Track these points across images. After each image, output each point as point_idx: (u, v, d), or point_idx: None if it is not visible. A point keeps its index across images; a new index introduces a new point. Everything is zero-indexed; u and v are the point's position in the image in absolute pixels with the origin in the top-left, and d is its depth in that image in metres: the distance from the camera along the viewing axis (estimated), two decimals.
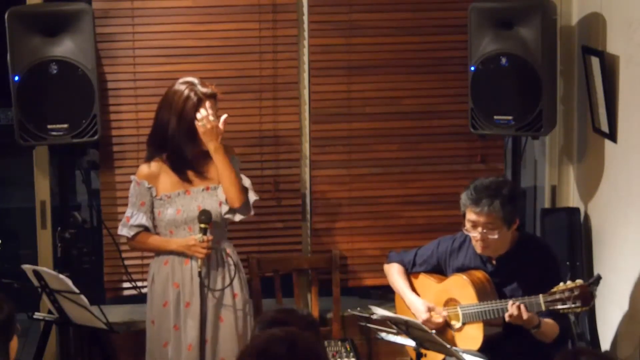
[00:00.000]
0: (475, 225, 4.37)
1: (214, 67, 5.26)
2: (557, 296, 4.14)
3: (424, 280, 4.69)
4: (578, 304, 4.11)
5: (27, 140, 4.77)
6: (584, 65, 5.09)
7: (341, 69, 5.37)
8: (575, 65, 5.37)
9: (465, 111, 5.14)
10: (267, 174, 5.37)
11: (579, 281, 4.15)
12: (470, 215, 4.38)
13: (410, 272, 4.74)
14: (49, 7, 4.88)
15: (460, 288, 4.46)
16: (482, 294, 4.39)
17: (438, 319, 4.51)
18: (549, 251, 4.53)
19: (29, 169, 5.35)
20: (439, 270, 4.67)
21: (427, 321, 4.48)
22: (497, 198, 4.33)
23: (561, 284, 4.16)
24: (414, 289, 4.69)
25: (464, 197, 4.41)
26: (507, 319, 4.23)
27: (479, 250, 4.43)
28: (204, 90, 4.53)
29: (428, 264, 4.69)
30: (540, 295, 4.18)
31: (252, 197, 4.64)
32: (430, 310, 4.52)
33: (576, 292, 4.10)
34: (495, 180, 4.47)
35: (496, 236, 4.35)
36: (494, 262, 4.49)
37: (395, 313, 4.63)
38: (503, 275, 4.46)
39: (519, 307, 4.18)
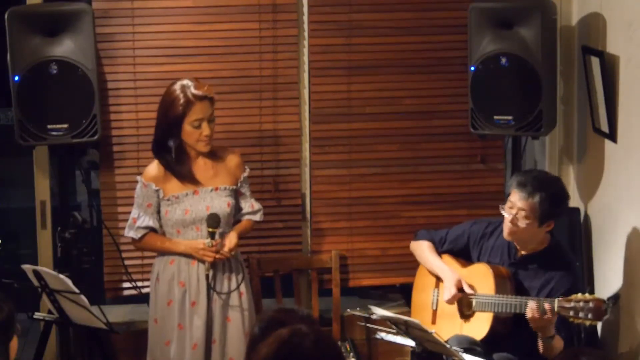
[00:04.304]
0: (512, 207, 4.40)
1: (214, 67, 5.26)
2: (572, 304, 4.09)
3: (449, 262, 4.69)
4: (590, 317, 4.05)
5: (27, 140, 4.77)
6: (584, 65, 5.09)
7: (341, 69, 5.37)
8: (575, 65, 5.37)
9: (465, 111, 5.14)
10: (267, 174, 5.36)
11: (597, 295, 4.12)
12: (512, 196, 4.41)
13: (440, 251, 4.74)
14: (49, 7, 4.88)
15: (482, 277, 4.47)
16: (500, 288, 4.40)
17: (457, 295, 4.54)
18: (571, 265, 4.50)
19: (29, 169, 5.35)
20: (466, 252, 4.68)
21: (450, 288, 4.51)
22: (541, 192, 4.34)
23: (579, 294, 4.12)
24: None
25: (514, 178, 4.46)
26: (528, 314, 4.18)
27: (505, 233, 4.45)
28: (195, 92, 4.49)
29: (458, 242, 4.71)
30: (556, 299, 4.14)
31: (258, 217, 4.78)
32: (458, 282, 4.53)
33: (591, 305, 4.05)
34: (551, 176, 4.57)
35: (524, 225, 4.36)
36: (519, 255, 4.50)
37: (406, 308, 4.66)
38: (522, 270, 4.48)
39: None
